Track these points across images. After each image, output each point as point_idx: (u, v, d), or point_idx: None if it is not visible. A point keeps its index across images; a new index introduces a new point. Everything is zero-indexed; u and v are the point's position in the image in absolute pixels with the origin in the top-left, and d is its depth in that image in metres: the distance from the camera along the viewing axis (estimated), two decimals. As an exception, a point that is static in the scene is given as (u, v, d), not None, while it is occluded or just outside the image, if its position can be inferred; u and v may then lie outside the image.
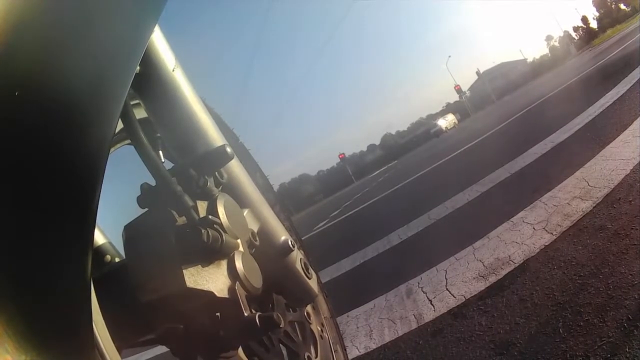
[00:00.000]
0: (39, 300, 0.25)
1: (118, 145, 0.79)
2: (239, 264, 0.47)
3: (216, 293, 0.43)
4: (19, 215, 0.24)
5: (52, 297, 0.26)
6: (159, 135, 0.73)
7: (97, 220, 0.30)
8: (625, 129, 2.35)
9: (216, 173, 0.53)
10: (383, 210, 5.44)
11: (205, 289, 0.43)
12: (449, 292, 1.59)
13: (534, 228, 1.72)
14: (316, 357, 0.78)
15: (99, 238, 0.75)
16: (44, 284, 0.25)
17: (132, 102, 0.63)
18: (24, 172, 0.24)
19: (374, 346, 1.51)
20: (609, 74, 5.31)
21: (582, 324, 0.99)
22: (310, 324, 0.83)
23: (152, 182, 0.48)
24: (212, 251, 0.45)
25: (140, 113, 0.71)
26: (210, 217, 0.46)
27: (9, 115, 0.23)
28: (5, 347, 0.22)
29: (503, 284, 1.41)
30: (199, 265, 0.44)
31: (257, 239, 0.57)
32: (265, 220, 0.64)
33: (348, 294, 2.25)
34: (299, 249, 0.70)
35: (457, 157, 6.18)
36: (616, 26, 35.16)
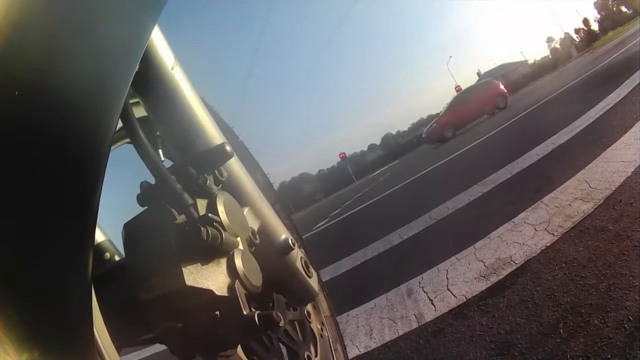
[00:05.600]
0: (39, 300, 0.25)
1: (118, 143, 0.79)
2: (238, 262, 0.47)
3: (215, 291, 0.43)
4: (20, 214, 0.24)
5: (53, 297, 0.26)
6: (158, 133, 0.73)
7: (97, 219, 0.30)
8: (627, 131, 2.35)
9: (216, 171, 0.53)
10: (383, 209, 5.44)
11: (204, 287, 0.43)
12: (450, 292, 1.58)
13: (535, 229, 1.71)
14: (316, 356, 0.78)
15: (98, 236, 0.75)
16: (45, 283, 0.25)
17: (131, 101, 0.63)
18: (24, 171, 0.24)
19: (374, 345, 1.51)
20: (610, 76, 5.30)
21: (582, 324, 0.99)
22: (310, 323, 0.82)
23: (152, 181, 0.48)
24: (212, 249, 0.45)
25: (139, 111, 0.71)
26: (209, 215, 0.46)
27: (9, 115, 0.23)
28: (5, 347, 0.22)
29: (504, 285, 1.40)
30: (199, 264, 0.44)
31: (257, 237, 0.56)
32: (265, 219, 0.64)
33: (348, 293, 2.25)
34: (299, 247, 0.69)
35: (458, 157, 6.18)
36: (617, 28, 35.11)
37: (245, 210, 0.59)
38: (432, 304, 1.57)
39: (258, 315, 0.45)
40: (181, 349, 0.47)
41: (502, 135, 5.99)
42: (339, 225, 6.19)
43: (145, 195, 0.47)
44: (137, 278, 0.44)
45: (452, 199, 3.09)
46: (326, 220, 7.69)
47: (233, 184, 0.61)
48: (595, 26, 48.90)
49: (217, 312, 0.46)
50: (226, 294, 0.44)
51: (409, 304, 1.69)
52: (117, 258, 0.75)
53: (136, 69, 0.36)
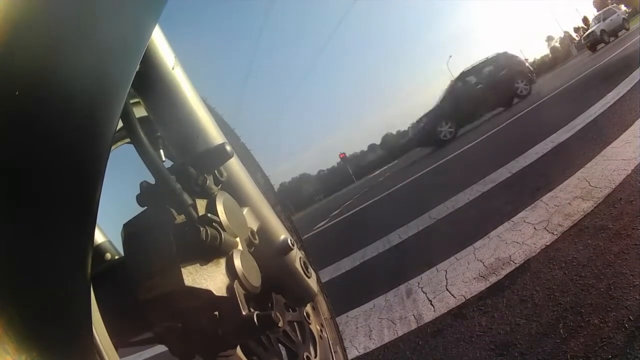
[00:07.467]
0: (39, 300, 0.25)
1: (118, 143, 0.79)
2: (237, 263, 0.47)
3: (214, 292, 0.43)
4: (20, 214, 0.24)
5: (52, 297, 0.26)
6: (158, 134, 0.73)
7: (96, 219, 0.30)
8: (627, 129, 2.35)
9: (215, 171, 0.53)
10: (383, 209, 5.44)
11: (203, 288, 0.43)
12: (449, 292, 1.58)
13: (534, 228, 1.71)
14: (315, 357, 0.78)
15: (98, 236, 0.75)
16: (44, 283, 0.25)
17: (131, 101, 0.63)
18: (24, 171, 0.24)
19: (373, 346, 1.51)
20: (610, 75, 5.30)
21: (582, 324, 0.98)
22: (309, 324, 0.82)
23: (152, 181, 0.48)
24: (211, 249, 0.45)
25: (139, 111, 0.71)
26: (209, 215, 0.46)
27: (9, 115, 0.23)
28: (5, 347, 0.22)
29: (503, 284, 1.40)
30: (198, 264, 0.44)
31: (257, 237, 0.56)
32: (264, 219, 0.64)
33: (347, 294, 2.25)
34: (299, 248, 0.69)
35: (457, 156, 6.18)
36: (617, 27, 35.04)
37: (245, 211, 0.59)
38: (431, 304, 1.57)
39: (257, 315, 0.45)
40: (181, 349, 0.47)
41: (501, 134, 5.99)
42: (339, 225, 6.19)
43: (145, 195, 0.48)
44: (136, 278, 0.44)
45: (451, 198, 3.09)
46: (326, 220, 7.69)
47: (233, 184, 0.61)
48: (594, 25, 48.91)
49: (216, 313, 0.46)
50: (225, 295, 0.45)
51: (408, 304, 1.69)
52: (116, 258, 0.75)
53: (137, 69, 0.36)
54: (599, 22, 17.09)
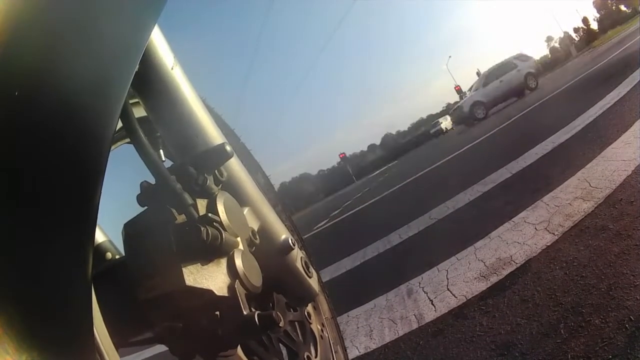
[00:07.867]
0: (39, 300, 0.24)
1: (118, 143, 0.79)
2: (238, 263, 0.47)
3: (215, 291, 0.43)
4: (20, 215, 0.24)
5: (53, 297, 0.25)
6: (158, 134, 0.73)
7: (97, 219, 0.30)
8: (627, 130, 2.35)
9: (216, 171, 0.53)
10: (383, 209, 5.44)
11: (204, 288, 0.42)
12: (450, 292, 1.58)
13: (535, 228, 1.71)
14: (316, 356, 0.78)
15: (98, 236, 0.75)
16: (45, 283, 0.25)
17: (131, 101, 0.63)
18: (24, 172, 0.24)
19: (374, 346, 1.51)
20: (610, 75, 5.30)
21: (583, 324, 0.98)
22: (310, 323, 0.82)
23: (152, 181, 0.48)
24: (212, 249, 0.45)
25: (139, 111, 0.71)
26: (209, 215, 0.46)
27: (9, 115, 0.23)
28: (5, 348, 0.21)
29: (504, 284, 1.40)
30: (199, 264, 0.43)
31: (257, 237, 0.56)
32: (265, 219, 0.64)
33: (348, 294, 2.25)
34: (300, 248, 0.69)
35: (457, 157, 6.18)
36: (617, 27, 35.04)
37: (245, 210, 0.59)
38: (432, 304, 1.57)
39: (258, 315, 0.45)
40: (181, 349, 0.47)
41: (501, 135, 5.98)
42: (339, 225, 6.19)
43: (145, 195, 0.47)
44: (137, 278, 0.44)
45: (451, 198, 3.09)
46: (326, 220, 7.69)
47: (233, 184, 0.61)
48: (594, 25, 48.97)
49: (217, 312, 0.46)
50: (226, 294, 0.44)
51: (409, 304, 1.69)
52: (117, 258, 0.75)
53: (136, 69, 0.36)
54: (477, 89, 12.92)
